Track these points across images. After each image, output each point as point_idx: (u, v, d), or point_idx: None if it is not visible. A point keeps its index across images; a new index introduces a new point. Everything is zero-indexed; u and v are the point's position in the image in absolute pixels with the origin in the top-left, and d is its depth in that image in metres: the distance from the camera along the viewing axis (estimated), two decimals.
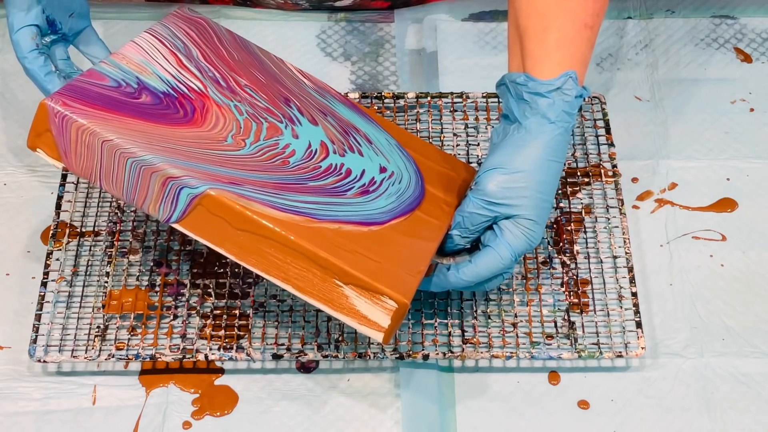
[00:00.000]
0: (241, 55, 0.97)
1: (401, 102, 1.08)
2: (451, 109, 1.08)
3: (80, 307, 0.95)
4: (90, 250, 0.98)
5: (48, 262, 0.96)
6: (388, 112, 1.07)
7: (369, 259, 0.83)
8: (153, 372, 0.92)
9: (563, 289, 0.96)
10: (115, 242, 0.98)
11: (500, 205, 0.87)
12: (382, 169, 0.92)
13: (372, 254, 0.84)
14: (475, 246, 0.90)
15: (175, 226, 0.84)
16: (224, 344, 0.92)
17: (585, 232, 0.99)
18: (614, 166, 1.03)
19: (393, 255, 0.85)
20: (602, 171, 1.03)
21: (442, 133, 1.06)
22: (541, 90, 0.87)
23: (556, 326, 0.94)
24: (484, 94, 1.08)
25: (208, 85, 0.92)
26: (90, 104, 0.85)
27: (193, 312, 0.95)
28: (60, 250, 0.97)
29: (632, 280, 0.95)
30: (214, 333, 0.93)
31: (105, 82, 0.87)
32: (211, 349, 0.92)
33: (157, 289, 0.96)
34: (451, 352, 0.92)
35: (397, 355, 0.92)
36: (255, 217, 0.81)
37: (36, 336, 0.92)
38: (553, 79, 0.87)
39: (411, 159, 0.96)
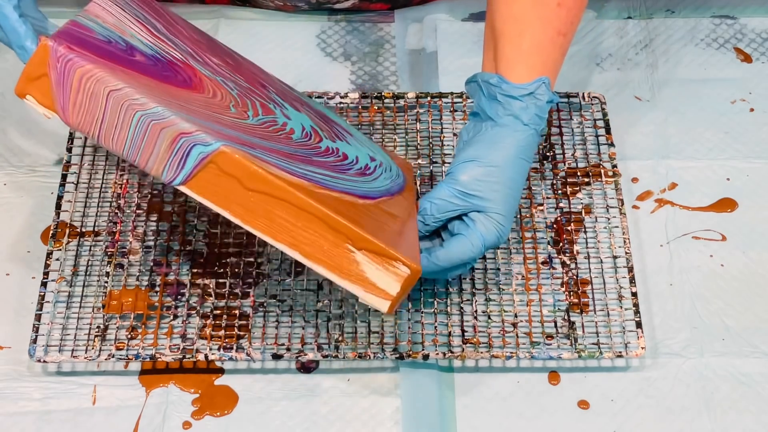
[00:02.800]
0: (199, 36, 0.92)
1: (401, 102, 1.08)
2: (451, 109, 1.08)
3: (80, 307, 0.95)
4: (90, 250, 0.98)
5: (48, 262, 0.96)
6: (388, 112, 1.07)
7: (377, 227, 0.83)
8: (153, 372, 0.92)
9: (563, 289, 0.96)
10: (115, 242, 0.98)
11: (473, 197, 0.89)
12: (372, 159, 0.94)
13: (378, 223, 0.84)
14: (432, 236, 0.93)
15: (180, 187, 0.80)
16: (224, 344, 0.92)
17: (585, 232, 0.99)
18: (614, 166, 1.03)
19: (391, 227, 0.86)
20: (602, 171, 1.03)
21: (442, 133, 1.06)
22: (515, 93, 0.90)
23: (556, 326, 0.94)
24: None
25: (188, 59, 0.87)
26: (93, 52, 0.79)
27: (193, 312, 0.95)
28: (60, 250, 0.97)
29: (632, 280, 0.95)
30: (214, 333, 0.93)
31: (94, 34, 0.81)
32: (211, 349, 0.92)
33: (157, 289, 0.96)
34: (451, 352, 0.92)
35: (397, 355, 0.92)
36: (272, 178, 0.79)
37: (36, 336, 0.92)
38: (527, 83, 0.90)
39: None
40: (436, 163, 1.04)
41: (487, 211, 0.89)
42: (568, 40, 0.93)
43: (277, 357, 0.92)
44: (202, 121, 0.79)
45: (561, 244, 0.99)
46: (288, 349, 0.92)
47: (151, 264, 0.97)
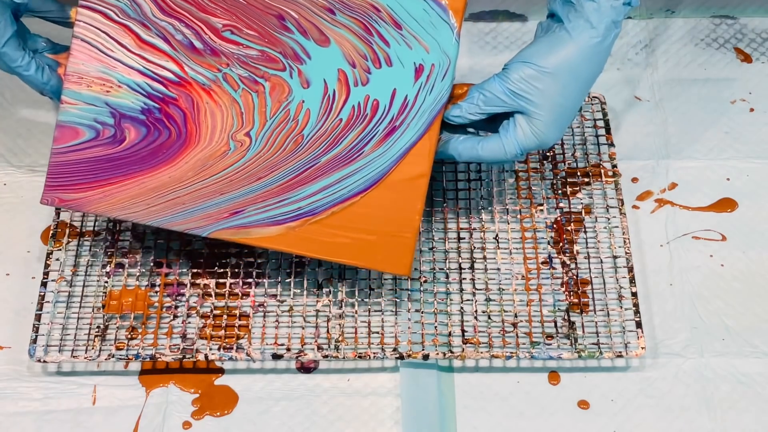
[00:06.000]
0: None
1: None
2: None
3: (80, 307, 0.95)
4: (90, 250, 0.98)
5: (48, 262, 0.96)
6: None
7: (365, 238, 0.88)
8: (153, 372, 0.92)
9: (563, 289, 0.96)
10: (115, 242, 0.98)
11: (521, 98, 0.87)
12: (419, 71, 0.88)
13: (367, 228, 0.88)
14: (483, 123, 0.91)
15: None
16: (224, 344, 0.92)
17: (585, 232, 0.99)
18: (614, 166, 1.03)
19: (387, 218, 0.88)
20: (602, 171, 1.03)
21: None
22: None
23: (556, 326, 0.94)
24: None
25: (184, 62, 0.86)
26: (81, 186, 0.87)
27: (193, 312, 0.95)
28: (60, 250, 0.97)
29: (632, 280, 0.95)
30: (214, 333, 0.93)
31: (82, 137, 0.87)
32: (211, 349, 0.92)
33: (157, 289, 0.96)
34: (451, 352, 0.92)
35: (397, 355, 0.92)
36: (257, 243, 0.89)
37: (36, 336, 0.92)
38: None
39: (448, 11, 0.88)
40: None
41: (531, 115, 0.87)
42: None
43: (277, 357, 0.92)
44: (190, 211, 0.88)
45: (561, 244, 0.99)
46: (288, 349, 0.92)
47: (151, 264, 0.97)
